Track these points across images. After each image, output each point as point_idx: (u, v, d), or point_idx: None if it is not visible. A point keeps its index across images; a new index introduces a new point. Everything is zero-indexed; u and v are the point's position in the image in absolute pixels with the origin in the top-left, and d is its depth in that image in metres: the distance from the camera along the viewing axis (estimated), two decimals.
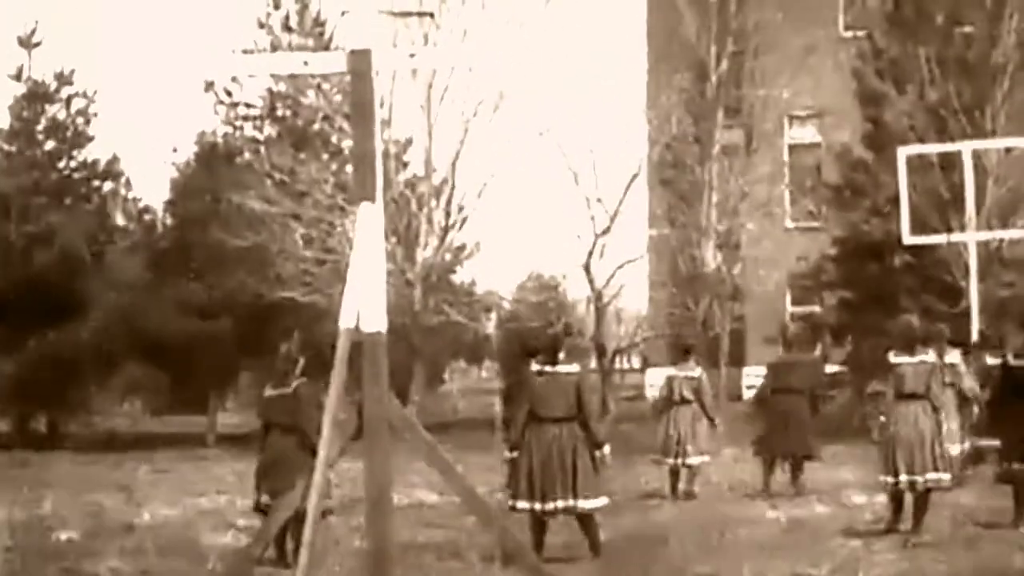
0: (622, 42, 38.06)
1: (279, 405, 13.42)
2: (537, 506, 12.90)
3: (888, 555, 12.75)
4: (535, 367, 13.24)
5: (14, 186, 34.63)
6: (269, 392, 13.69)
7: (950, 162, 27.00)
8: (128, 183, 37.12)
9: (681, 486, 18.29)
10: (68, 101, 35.95)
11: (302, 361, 13.59)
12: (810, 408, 18.47)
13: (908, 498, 14.17)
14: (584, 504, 12.93)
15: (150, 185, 51.57)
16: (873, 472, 14.79)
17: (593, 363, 33.02)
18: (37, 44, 35.69)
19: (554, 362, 13.17)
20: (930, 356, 14.47)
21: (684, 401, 18.37)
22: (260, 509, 13.37)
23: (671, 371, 18.90)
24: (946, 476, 14.18)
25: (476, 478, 13.05)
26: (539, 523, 13.01)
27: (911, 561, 12.39)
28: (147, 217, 37.22)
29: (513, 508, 12.94)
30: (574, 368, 13.31)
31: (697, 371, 18.73)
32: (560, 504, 12.89)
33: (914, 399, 14.12)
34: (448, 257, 33.17)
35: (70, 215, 34.92)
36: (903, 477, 13.96)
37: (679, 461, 18.26)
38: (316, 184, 31.16)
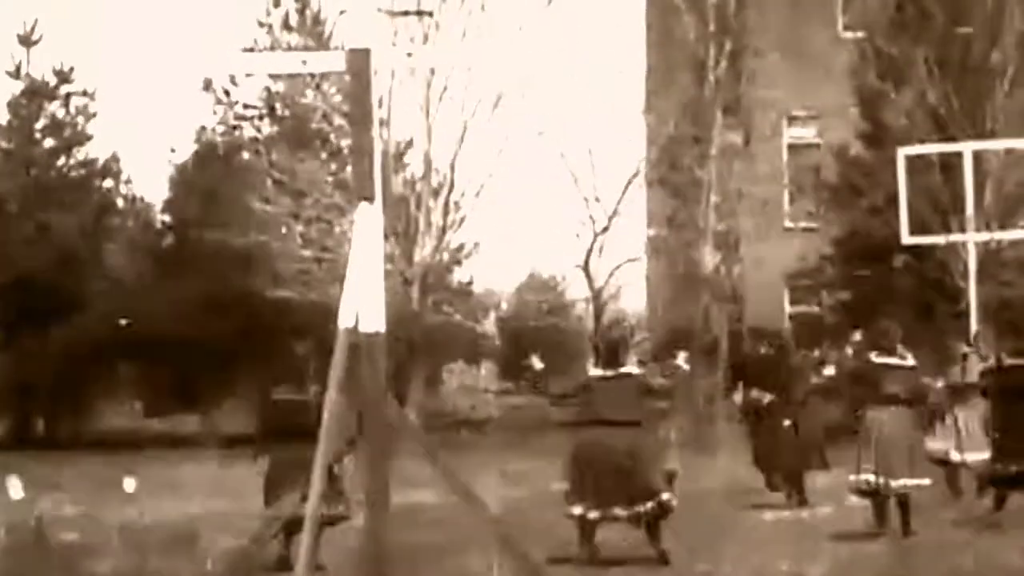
0: (621, 42, 38.01)
1: (294, 409, 12.80)
2: (592, 513, 12.80)
3: (888, 557, 12.73)
4: (594, 371, 13.13)
5: (12, 184, 34.60)
6: (281, 395, 13.23)
7: (950, 162, 26.94)
8: (128, 182, 37.18)
9: None
10: (67, 99, 35.91)
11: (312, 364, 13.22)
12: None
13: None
14: (640, 508, 12.77)
15: (149, 184, 51.49)
16: None
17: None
18: (36, 41, 35.68)
19: (615, 365, 13.03)
20: (910, 360, 14.31)
21: None
22: None
23: None
24: (924, 481, 14.07)
25: (473, 479, 12.98)
26: (591, 526, 12.91)
27: (909, 562, 12.37)
28: (146, 216, 37.22)
29: (569, 515, 12.85)
30: (634, 370, 13.18)
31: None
32: (619, 511, 12.76)
33: (894, 402, 14.01)
34: (446, 257, 33.12)
35: (69, 214, 34.88)
36: (881, 480, 13.86)
37: None
38: (315, 183, 31.14)
